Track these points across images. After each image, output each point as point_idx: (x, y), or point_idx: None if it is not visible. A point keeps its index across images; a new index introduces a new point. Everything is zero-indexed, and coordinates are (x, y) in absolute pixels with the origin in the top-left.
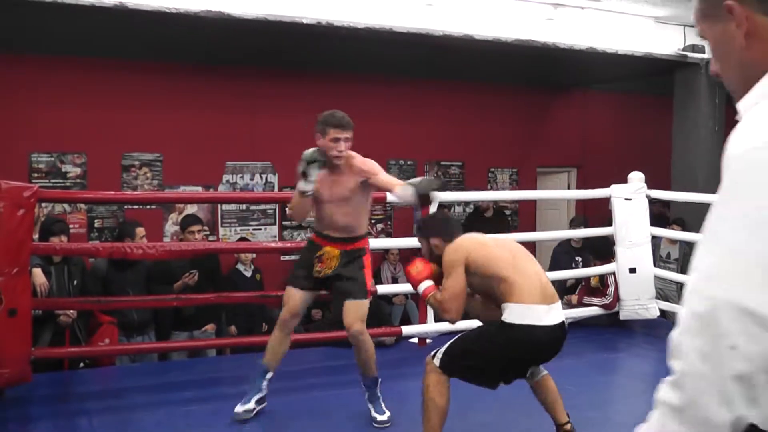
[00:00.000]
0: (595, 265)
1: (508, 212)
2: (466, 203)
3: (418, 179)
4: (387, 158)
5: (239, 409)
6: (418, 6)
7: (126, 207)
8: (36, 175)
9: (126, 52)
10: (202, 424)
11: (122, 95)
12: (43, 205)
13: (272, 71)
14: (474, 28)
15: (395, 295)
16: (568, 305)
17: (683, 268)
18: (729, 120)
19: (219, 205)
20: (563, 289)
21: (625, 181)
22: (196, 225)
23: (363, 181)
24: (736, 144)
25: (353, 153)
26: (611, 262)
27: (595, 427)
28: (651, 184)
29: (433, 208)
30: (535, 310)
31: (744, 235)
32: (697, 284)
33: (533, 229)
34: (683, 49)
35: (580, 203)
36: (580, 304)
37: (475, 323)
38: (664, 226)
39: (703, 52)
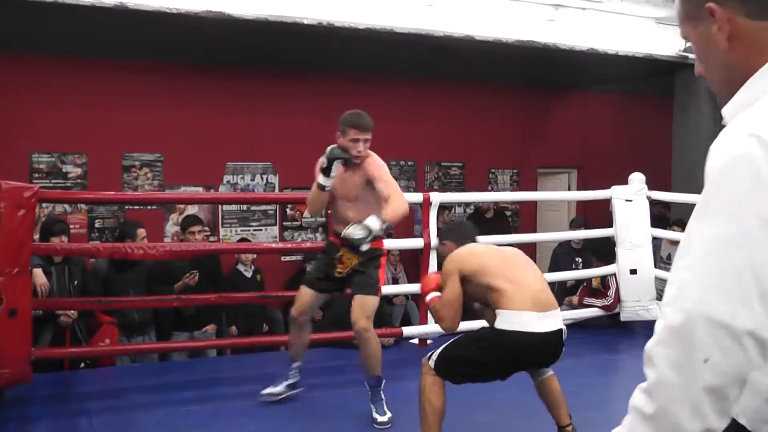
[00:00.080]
0: (596, 266)
1: (508, 213)
2: (467, 204)
3: (356, 228)
4: (387, 159)
5: (267, 390)
6: (419, 6)
7: (127, 207)
8: (37, 175)
9: (126, 52)
10: (202, 424)
11: (122, 95)
12: (44, 205)
13: (272, 71)
14: (475, 28)
15: (395, 295)
16: (569, 306)
17: None
18: None
19: (219, 206)
20: (563, 290)
21: (625, 182)
22: (196, 225)
23: (370, 181)
24: (714, 156)
25: (371, 153)
26: (613, 263)
27: (595, 427)
28: (651, 185)
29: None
30: (524, 316)
31: (719, 248)
32: (672, 296)
33: (534, 230)
34: (684, 50)
35: (581, 204)
36: (581, 305)
37: (472, 327)
38: (664, 228)
39: None
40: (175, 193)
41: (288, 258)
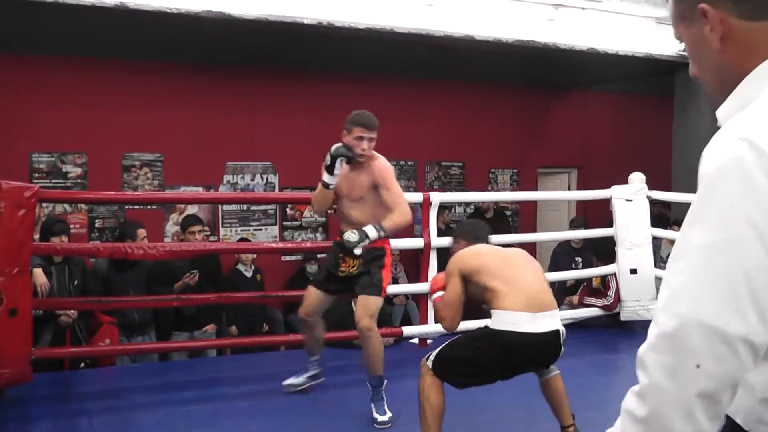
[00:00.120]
0: (596, 265)
1: (508, 213)
2: (467, 204)
3: (352, 232)
4: (388, 159)
5: (289, 381)
6: (419, 6)
7: (127, 207)
8: (37, 175)
9: (126, 52)
10: (202, 424)
11: (122, 95)
12: (44, 205)
13: (272, 71)
14: (475, 28)
15: (395, 295)
16: (569, 306)
17: None
18: None
19: (219, 206)
20: (564, 290)
21: (625, 181)
22: (196, 225)
23: (376, 184)
24: (706, 160)
25: (377, 155)
26: (613, 263)
27: (595, 427)
28: (651, 184)
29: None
30: (517, 316)
31: (711, 254)
32: (666, 301)
33: (534, 229)
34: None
35: (581, 204)
36: (581, 304)
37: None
38: (664, 227)
39: None
40: (175, 193)
41: (288, 258)
